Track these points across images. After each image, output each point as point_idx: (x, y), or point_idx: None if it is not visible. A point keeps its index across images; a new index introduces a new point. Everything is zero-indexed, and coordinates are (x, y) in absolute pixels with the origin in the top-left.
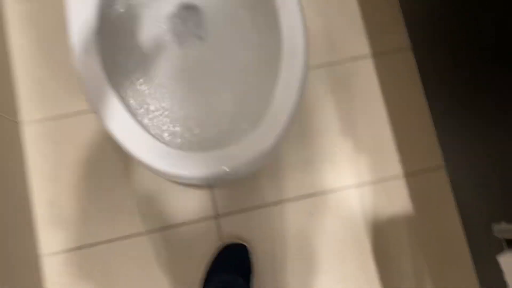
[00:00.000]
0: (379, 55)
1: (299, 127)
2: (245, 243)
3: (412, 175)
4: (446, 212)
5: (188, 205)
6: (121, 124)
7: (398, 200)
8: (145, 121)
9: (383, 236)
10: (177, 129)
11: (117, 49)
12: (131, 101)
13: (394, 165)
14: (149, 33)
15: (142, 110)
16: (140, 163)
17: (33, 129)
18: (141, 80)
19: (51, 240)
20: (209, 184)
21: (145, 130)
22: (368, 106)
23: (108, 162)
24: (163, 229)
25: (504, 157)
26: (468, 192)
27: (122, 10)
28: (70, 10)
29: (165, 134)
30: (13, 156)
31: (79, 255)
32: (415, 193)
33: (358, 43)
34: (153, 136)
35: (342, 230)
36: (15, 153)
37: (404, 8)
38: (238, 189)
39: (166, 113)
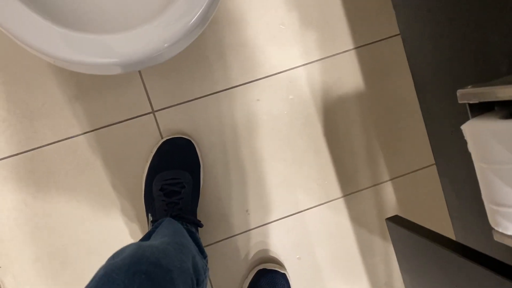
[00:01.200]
0: None
1: (235, 2)
2: (188, 137)
3: (363, 47)
4: (399, 85)
5: (123, 103)
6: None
7: (348, 76)
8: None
9: (334, 115)
10: (82, 7)
11: None
12: None
13: (344, 40)
14: None
15: None
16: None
17: None
18: None
19: None
20: (114, 73)
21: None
22: None
23: (32, 61)
24: (99, 129)
25: (467, 20)
26: (425, 61)
27: None
28: None
29: (69, 15)
30: None
31: (19, 159)
32: (365, 66)
33: None
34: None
35: (292, 113)
36: None
37: None
38: (172, 81)
39: None
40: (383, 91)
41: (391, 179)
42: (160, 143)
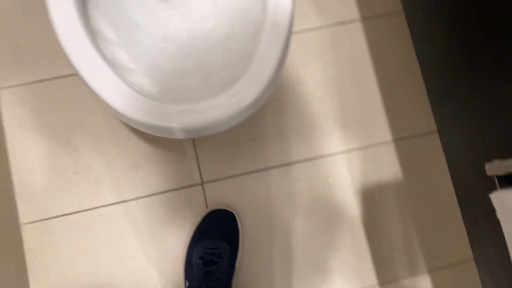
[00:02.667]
0: (369, 19)
1: (285, 92)
2: (231, 210)
3: (401, 140)
4: (436, 177)
5: (175, 173)
6: (103, 79)
7: (387, 166)
8: (125, 75)
9: (371, 201)
10: (158, 81)
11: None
12: (111, 56)
13: (383, 131)
14: None
15: (122, 65)
16: (120, 116)
17: (10, 95)
18: (121, 35)
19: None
20: (187, 136)
21: (126, 83)
22: (357, 71)
23: (92, 128)
24: (148, 196)
25: (499, 111)
26: (461, 158)
27: None
28: None
29: (146, 87)
30: None
31: (61, 221)
32: (404, 158)
33: (346, 7)
34: (135, 89)
35: (331, 196)
36: None
37: None
38: (224, 155)
39: (147, 66)
40: (421, 183)
41: (428, 271)
42: (205, 213)
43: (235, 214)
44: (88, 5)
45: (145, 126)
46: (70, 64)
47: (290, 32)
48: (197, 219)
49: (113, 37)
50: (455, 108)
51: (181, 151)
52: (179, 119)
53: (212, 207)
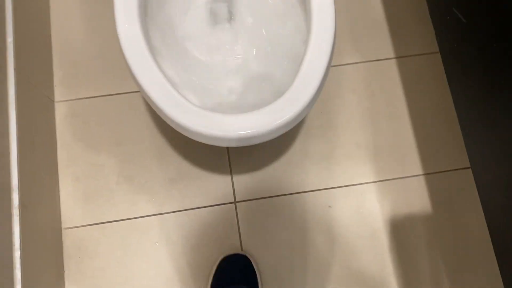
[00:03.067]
0: (404, 57)
1: (320, 120)
2: (245, 253)
3: (433, 174)
4: (469, 214)
5: (210, 190)
6: (159, 90)
7: (417, 198)
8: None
9: (400, 232)
10: (208, 93)
11: (156, 27)
12: (169, 72)
13: (414, 164)
14: (188, 13)
15: (177, 78)
16: (171, 121)
17: (65, 108)
18: (178, 52)
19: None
20: (229, 145)
21: (179, 93)
22: (390, 105)
23: (138, 143)
24: (183, 210)
25: None
26: (496, 195)
27: None
28: None
29: (196, 99)
30: (46, 133)
31: (100, 228)
32: (435, 193)
33: (383, 46)
34: (186, 98)
35: (360, 224)
36: (47, 130)
37: (432, 10)
38: (258, 176)
39: (197, 80)
40: (452, 218)
41: None
42: (219, 260)
43: (248, 257)
44: (148, 22)
45: (201, 135)
46: (127, 82)
47: (332, 51)
48: (213, 267)
49: (164, 52)
50: (491, 146)
51: (217, 170)
52: (234, 128)
53: (226, 252)
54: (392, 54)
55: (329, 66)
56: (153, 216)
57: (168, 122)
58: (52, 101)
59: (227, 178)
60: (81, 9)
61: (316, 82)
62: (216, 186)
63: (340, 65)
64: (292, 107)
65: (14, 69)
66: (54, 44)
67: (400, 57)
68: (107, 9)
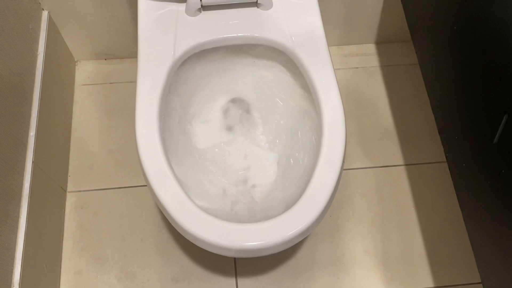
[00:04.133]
0: (413, 165)
1: (328, 224)
2: None
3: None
4: None
5: None
6: (172, 198)
7: None
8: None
9: None
10: (216, 201)
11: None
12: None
13: (425, 276)
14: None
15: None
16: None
17: (76, 198)
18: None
19: None
20: (232, 255)
21: (190, 199)
22: (399, 213)
23: (142, 238)
24: None
25: None
26: None
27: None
28: (139, 99)
29: (203, 204)
30: (54, 224)
31: None
32: None
33: (392, 153)
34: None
35: None
36: (56, 221)
37: (439, 121)
38: (264, 280)
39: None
40: None
41: None
42: None
43: None
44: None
45: (205, 243)
46: (139, 176)
47: (342, 165)
48: None
49: (182, 159)
50: (503, 267)
51: (222, 271)
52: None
53: None
54: (401, 161)
55: (339, 180)
56: None
57: (182, 233)
58: (64, 191)
59: (232, 281)
60: (102, 105)
61: (325, 198)
62: (219, 287)
63: (349, 169)
64: (301, 220)
65: (33, 162)
66: (73, 135)
67: (409, 164)
68: (126, 108)
